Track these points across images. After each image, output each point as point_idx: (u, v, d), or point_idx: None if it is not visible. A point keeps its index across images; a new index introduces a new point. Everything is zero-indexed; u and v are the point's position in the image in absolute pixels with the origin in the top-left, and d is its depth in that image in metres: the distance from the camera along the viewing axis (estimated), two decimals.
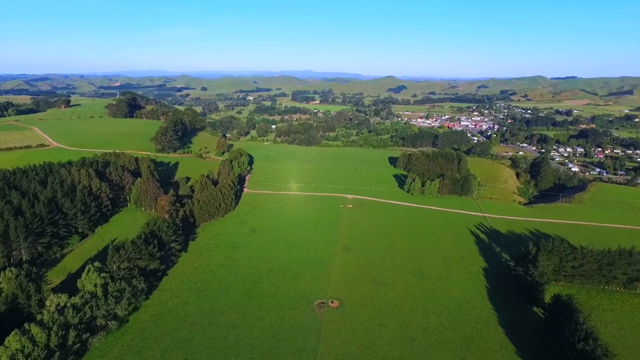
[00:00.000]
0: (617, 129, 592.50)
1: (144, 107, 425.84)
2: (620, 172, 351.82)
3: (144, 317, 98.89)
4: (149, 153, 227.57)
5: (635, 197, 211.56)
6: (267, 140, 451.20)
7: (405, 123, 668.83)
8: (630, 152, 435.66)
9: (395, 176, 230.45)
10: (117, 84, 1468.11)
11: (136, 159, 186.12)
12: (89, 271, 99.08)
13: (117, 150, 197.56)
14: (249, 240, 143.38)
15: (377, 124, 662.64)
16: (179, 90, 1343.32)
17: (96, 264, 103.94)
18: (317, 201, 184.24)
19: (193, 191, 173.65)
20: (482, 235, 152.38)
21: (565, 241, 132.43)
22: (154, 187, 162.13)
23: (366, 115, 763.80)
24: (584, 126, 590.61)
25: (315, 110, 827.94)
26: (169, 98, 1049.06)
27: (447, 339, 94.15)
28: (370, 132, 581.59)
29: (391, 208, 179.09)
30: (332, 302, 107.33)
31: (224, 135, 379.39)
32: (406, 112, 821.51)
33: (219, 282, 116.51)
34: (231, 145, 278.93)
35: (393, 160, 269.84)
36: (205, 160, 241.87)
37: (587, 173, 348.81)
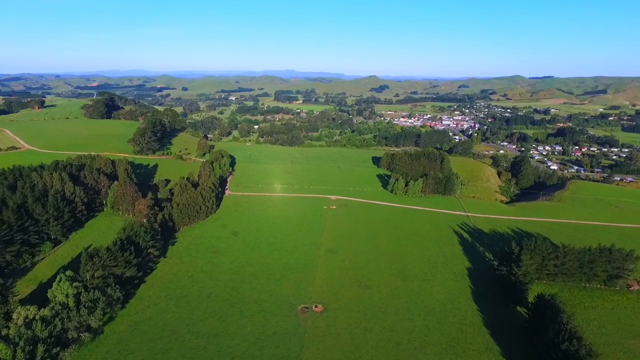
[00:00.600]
0: (592, 127, 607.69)
1: (122, 108, 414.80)
2: (597, 170, 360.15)
3: (120, 328, 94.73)
4: (126, 155, 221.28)
5: (611, 194, 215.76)
6: (250, 140, 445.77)
7: (388, 123, 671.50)
8: (606, 149, 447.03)
9: (379, 176, 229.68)
10: (95, 84, 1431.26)
11: (113, 162, 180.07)
12: (60, 281, 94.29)
13: (93, 153, 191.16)
14: (231, 244, 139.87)
15: (360, 123, 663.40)
16: (159, 90, 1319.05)
17: (68, 272, 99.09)
18: (301, 203, 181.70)
19: (172, 194, 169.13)
20: (465, 235, 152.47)
21: (547, 240, 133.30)
22: (132, 191, 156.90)
23: (349, 115, 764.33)
24: (561, 125, 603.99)
25: (298, 110, 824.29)
26: (149, 98, 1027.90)
27: (432, 342, 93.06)
28: (353, 131, 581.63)
29: (375, 208, 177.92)
30: (316, 306, 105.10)
31: (205, 136, 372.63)
32: (389, 112, 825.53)
33: (199, 288, 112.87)
34: (212, 146, 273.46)
35: (376, 160, 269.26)
36: (186, 162, 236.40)
37: (566, 171, 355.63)
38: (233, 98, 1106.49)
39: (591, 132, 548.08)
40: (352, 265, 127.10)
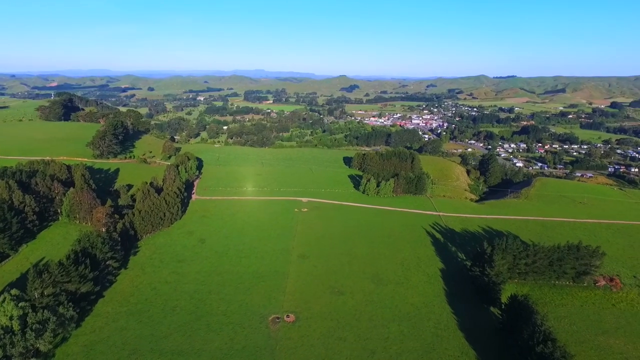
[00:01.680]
0: (553, 125, 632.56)
1: (83, 109, 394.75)
2: (559, 166, 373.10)
3: (74, 349, 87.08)
4: (85, 159, 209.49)
5: (574, 190, 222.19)
6: (219, 142, 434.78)
7: (358, 122, 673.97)
8: (567, 146, 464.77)
9: (351, 177, 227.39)
10: (54, 84, 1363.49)
11: (68, 167, 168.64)
12: (4, 301, 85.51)
13: (47, 158, 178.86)
14: (197, 252, 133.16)
15: (331, 123, 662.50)
16: (124, 90, 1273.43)
17: (14, 291, 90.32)
18: (271, 206, 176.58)
19: (134, 200, 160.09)
20: (437, 235, 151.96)
21: (517, 238, 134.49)
22: (89, 198, 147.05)
23: (320, 114, 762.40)
24: (524, 123, 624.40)
25: (269, 110, 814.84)
26: (113, 99, 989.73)
27: (408, 349, 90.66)
28: (324, 131, 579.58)
29: (347, 210, 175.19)
30: (287, 316, 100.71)
31: (172, 138, 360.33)
32: (359, 111, 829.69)
33: (162, 301, 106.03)
34: (179, 149, 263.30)
35: (348, 161, 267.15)
36: (150, 166, 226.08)
37: (531, 168, 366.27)
38: (201, 98, 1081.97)
39: (552, 129, 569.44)
40: (325, 271, 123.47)
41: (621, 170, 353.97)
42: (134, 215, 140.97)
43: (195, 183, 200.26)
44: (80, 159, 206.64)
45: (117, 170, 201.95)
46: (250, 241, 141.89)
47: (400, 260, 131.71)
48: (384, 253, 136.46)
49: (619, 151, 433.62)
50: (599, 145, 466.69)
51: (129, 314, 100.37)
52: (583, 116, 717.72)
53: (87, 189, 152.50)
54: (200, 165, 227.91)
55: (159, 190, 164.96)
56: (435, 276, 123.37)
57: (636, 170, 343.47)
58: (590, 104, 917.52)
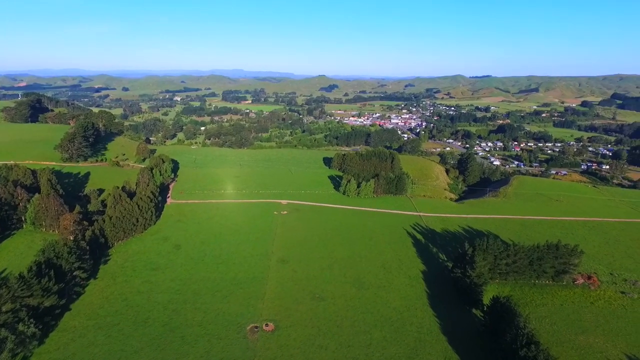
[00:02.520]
0: (528, 123, 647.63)
1: (52, 110, 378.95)
2: (534, 164, 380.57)
3: None
4: (53, 163, 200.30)
5: (550, 188, 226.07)
6: (196, 143, 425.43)
7: (338, 122, 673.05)
8: (542, 144, 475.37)
9: (331, 177, 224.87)
10: (23, 84, 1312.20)
11: (34, 172, 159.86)
12: None
13: (10, 162, 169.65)
14: (172, 259, 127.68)
15: (310, 123, 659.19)
16: (97, 90, 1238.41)
17: None
18: (250, 209, 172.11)
19: (105, 206, 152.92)
20: (418, 236, 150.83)
21: (498, 238, 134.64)
22: (56, 204, 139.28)
23: (299, 114, 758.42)
24: (500, 121, 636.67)
25: (247, 111, 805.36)
26: (85, 99, 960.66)
27: (390, 355, 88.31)
28: (304, 132, 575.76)
29: (327, 212, 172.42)
30: (266, 325, 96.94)
31: (147, 140, 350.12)
32: (339, 111, 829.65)
33: (134, 313, 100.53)
34: (154, 151, 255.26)
35: (328, 161, 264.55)
36: (123, 169, 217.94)
37: (508, 166, 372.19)
38: (178, 98, 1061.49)
39: (527, 128, 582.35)
40: (305, 276, 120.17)
41: (593, 167, 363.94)
42: (104, 221, 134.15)
43: (170, 186, 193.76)
44: (47, 162, 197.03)
45: (87, 174, 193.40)
46: (227, 246, 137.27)
47: (382, 263, 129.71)
48: (365, 255, 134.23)
49: (590, 149, 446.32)
50: (571, 143, 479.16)
51: (98, 327, 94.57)
52: (556, 115, 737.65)
53: (54, 194, 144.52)
54: (176, 167, 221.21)
55: (131, 195, 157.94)
56: (417, 278, 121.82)
57: (607, 167, 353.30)
58: (563, 102, 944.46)
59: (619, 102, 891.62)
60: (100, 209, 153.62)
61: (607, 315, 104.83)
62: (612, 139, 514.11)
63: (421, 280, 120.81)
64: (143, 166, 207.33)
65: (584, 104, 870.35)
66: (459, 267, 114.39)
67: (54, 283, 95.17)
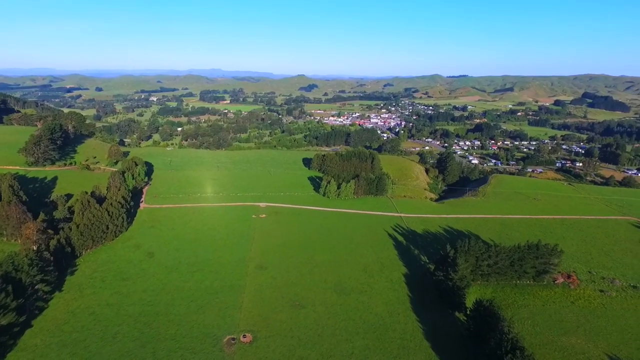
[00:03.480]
0: (504, 122, 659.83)
1: (19, 111, 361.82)
2: (511, 162, 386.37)
3: None
4: (17, 167, 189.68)
5: (527, 187, 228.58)
6: (172, 144, 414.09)
7: (318, 122, 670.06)
8: (517, 143, 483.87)
9: (311, 179, 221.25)
10: None
11: None
12: None
13: None
14: (144, 268, 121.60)
15: (290, 123, 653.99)
16: (69, 90, 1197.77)
17: None
18: (227, 213, 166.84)
19: (73, 213, 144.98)
20: (399, 238, 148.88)
21: (479, 239, 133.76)
22: (18, 212, 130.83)
23: (279, 114, 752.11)
24: (478, 120, 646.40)
25: (226, 111, 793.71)
26: (57, 100, 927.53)
27: None
28: (283, 132, 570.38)
29: (307, 215, 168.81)
30: (244, 336, 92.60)
31: (121, 142, 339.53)
32: (318, 111, 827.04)
33: (102, 328, 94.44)
34: (127, 153, 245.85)
35: (307, 162, 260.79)
36: (94, 173, 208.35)
37: (485, 165, 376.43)
38: (154, 99, 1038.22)
39: (504, 126, 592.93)
40: (285, 282, 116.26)
41: (567, 165, 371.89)
42: (71, 229, 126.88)
43: (144, 190, 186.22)
44: (11, 167, 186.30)
45: (54, 179, 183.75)
46: (203, 253, 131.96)
47: (363, 266, 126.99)
48: (346, 259, 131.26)
49: (564, 147, 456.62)
50: (546, 141, 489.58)
51: (62, 345, 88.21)
52: (530, 113, 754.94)
53: (16, 201, 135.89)
54: (150, 170, 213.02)
55: (101, 200, 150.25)
56: (399, 282, 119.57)
57: (580, 165, 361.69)
58: (537, 101, 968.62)
59: (589, 101, 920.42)
60: (68, 216, 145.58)
61: (587, 314, 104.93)
62: (584, 137, 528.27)
63: (403, 284, 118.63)
64: (115, 169, 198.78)
65: (556, 102, 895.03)
66: (441, 270, 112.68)
67: (12, 299, 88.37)
